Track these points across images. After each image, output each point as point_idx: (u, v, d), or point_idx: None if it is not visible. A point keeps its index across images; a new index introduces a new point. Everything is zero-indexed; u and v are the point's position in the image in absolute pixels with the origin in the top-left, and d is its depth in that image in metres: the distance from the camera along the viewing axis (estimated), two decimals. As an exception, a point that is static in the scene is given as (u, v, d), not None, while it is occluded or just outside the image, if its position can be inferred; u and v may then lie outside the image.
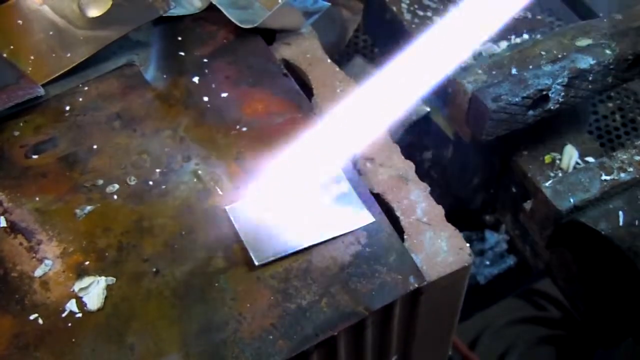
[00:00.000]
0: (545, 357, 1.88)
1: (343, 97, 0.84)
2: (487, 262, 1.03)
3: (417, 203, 0.76)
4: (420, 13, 0.99)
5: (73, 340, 0.66)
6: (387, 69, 0.84)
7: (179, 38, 0.89)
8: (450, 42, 0.87)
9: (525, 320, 1.92)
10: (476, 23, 0.89)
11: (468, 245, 0.73)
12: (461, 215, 0.96)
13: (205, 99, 0.83)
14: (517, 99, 0.83)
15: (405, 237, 0.73)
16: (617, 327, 0.89)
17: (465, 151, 0.96)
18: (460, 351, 1.61)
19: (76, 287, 0.69)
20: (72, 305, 0.68)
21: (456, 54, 0.86)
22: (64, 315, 0.68)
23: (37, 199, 0.75)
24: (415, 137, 1.02)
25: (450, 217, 0.75)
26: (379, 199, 0.76)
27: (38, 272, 0.70)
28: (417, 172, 0.78)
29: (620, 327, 0.88)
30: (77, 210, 0.74)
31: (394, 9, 0.99)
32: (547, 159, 0.92)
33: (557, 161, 0.91)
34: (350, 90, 0.85)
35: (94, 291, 0.69)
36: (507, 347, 1.87)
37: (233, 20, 0.88)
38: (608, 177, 0.84)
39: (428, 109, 1.00)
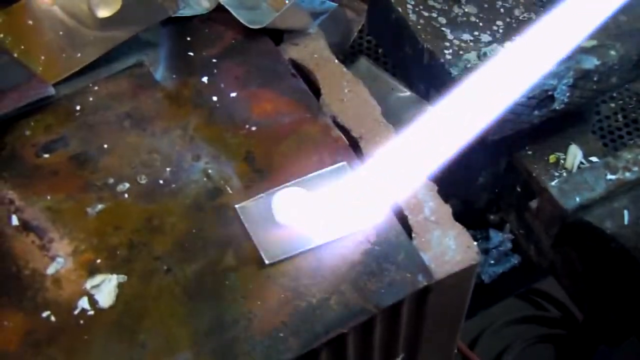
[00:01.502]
0: (544, 357, 1.89)
1: (351, 98, 0.84)
2: (492, 261, 1.04)
3: (425, 202, 0.77)
4: (426, 14, 0.99)
5: (85, 337, 0.67)
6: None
7: (188, 38, 0.89)
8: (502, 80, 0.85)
9: (525, 320, 1.93)
10: (526, 59, 0.87)
11: (475, 243, 0.74)
12: (466, 214, 0.97)
13: (215, 98, 0.84)
14: (522, 99, 0.84)
15: (413, 235, 0.74)
16: (620, 326, 0.90)
17: (470, 150, 0.96)
18: (460, 350, 1.62)
19: (88, 284, 0.70)
20: (84, 303, 0.69)
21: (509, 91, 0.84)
22: (76, 312, 0.68)
23: (49, 197, 0.76)
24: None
25: (455, 216, 0.76)
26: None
27: (50, 270, 0.71)
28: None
29: (624, 325, 0.89)
30: (88, 209, 0.75)
31: (399, 9, 1.00)
32: (552, 158, 0.92)
33: (562, 161, 0.92)
34: (358, 91, 0.85)
35: (105, 289, 0.70)
36: (506, 346, 1.88)
37: (241, 20, 0.88)
38: (613, 177, 0.85)
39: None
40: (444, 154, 0.78)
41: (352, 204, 0.74)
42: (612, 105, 1.20)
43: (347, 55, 1.24)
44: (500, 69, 0.85)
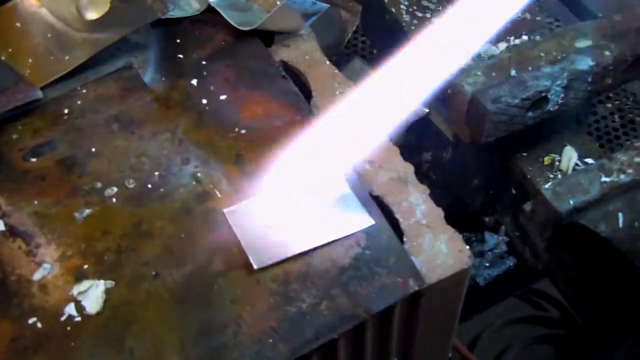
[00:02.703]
0: (544, 357, 1.88)
1: (342, 99, 0.84)
2: (487, 264, 1.03)
3: (417, 205, 0.76)
4: (419, 14, 0.99)
5: (72, 344, 0.66)
6: (386, 71, 0.84)
7: (178, 40, 0.89)
8: (449, 44, 0.87)
9: (524, 320, 1.92)
10: (476, 24, 0.89)
11: (468, 247, 0.73)
12: (461, 216, 0.96)
13: (204, 101, 0.83)
14: (516, 101, 0.83)
15: (404, 239, 0.73)
16: (617, 329, 0.89)
17: (464, 153, 0.96)
18: (459, 351, 1.61)
19: (75, 290, 0.69)
20: (70, 309, 0.68)
21: (456, 56, 0.86)
22: (62, 319, 0.67)
23: (36, 202, 0.75)
24: (414, 139, 1.02)
25: (450, 219, 0.75)
26: (378, 201, 0.76)
27: (37, 276, 0.70)
28: (416, 173, 0.78)
29: (620, 328, 0.88)
30: (76, 214, 0.74)
31: (393, 10, 0.99)
32: (547, 160, 0.92)
33: (557, 162, 0.91)
34: (350, 92, 0.84)
35: (92, 295, 0.69)
36: (505, 347, 1.87)
37: (231, 22, 0.87)
38: (607, 179, 0.84)
39: (427, 111, 0.99)
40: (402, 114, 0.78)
41: (342, 206, 0.73)
42: (609, 105, 1.19)
43: (342, 55, 1.23)
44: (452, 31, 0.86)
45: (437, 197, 0.78)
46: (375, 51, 1.25)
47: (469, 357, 1.65)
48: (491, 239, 1.03)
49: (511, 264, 1.03)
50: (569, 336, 1.86)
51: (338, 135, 0.79)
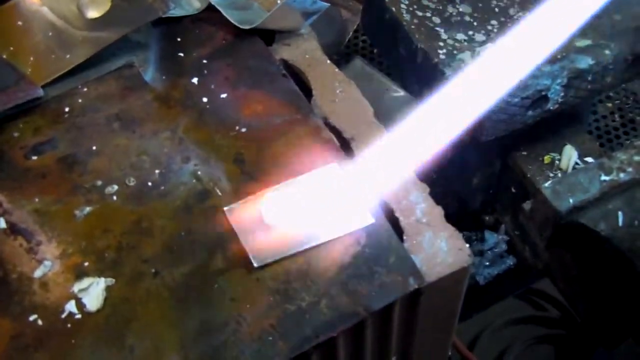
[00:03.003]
0: (544, 357, 1.88)
1: (344, 98, 0.84)
2: (487, 263, 1.03)
3: (417, 204, 0.76)
4: (420, 14, 0.99)
5: (72, 341, 0.66)
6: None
7: (178, 39, 0.89)
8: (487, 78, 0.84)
9: (524, 320, 1.93)
10: (515, 56, 0.86)
11: (468, 245, 0.73)
12: (460, 215, 0.96)
13: (205, 100, 0.83)
14: (516, 100, 0.83)
15: (404, 238, 0.73)
16: (617, 328, 0.89)
17: (464, 151, 0.96)
18: (459, 351, 1.61)
19: (75, 288, 0.69)
20: (71, 307, 0.68)
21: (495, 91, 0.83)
22: (63, 316, 0.68)
23: (37, 200, 0.75)
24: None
25: (450, 218, 0.75)
26: (378, 199, 0.76)
27: (37, 273, 0.70)
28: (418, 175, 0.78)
29: (620, 327, 0.88)
30: (77, 212, 0.74)
31: (393, 9, 0.99)
32: (547, 159, 0.92)
33: (557, 161, 0.91)
34: (350, 91, 0.84)
35: (93, 292, 0.69)
36: (505, 347, 1.87)
37: (232, 21, 0.87)
38: (607, 178, 0.85)
39: (427, 110, 0.99)
40: (432, 150, 0.77)
41: (342, 205, 0.74)
42: (609, 105, 1.19)
43: (342, 55, 1.23)
44: (490, 66, 0.84)
45: (437, 196, 0.78)
46: (375, 50, 1.25)
47: (469, 357, 1.65)
48: (491, 238, 1.03)
49: (511, 263, 1.04)
50: (569, 336, 1.86)
51: (337, 131, 0.79)
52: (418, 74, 0.96)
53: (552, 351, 1.89)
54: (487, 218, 1.03)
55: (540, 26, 0.85)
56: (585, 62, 0.86)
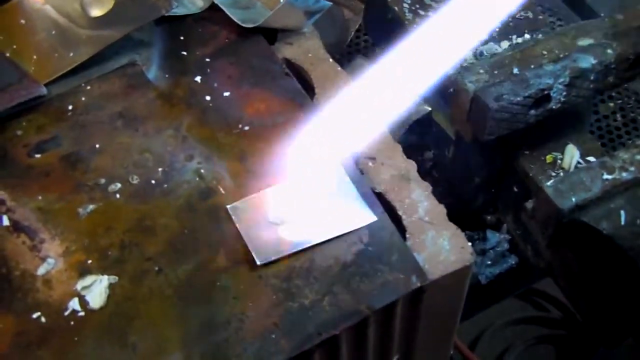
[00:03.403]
0: (545, 357, 1.88)
1: (341, 93, 0.84)
2: (489, 262, 1.03)
3: (419, 202, 0.76)
4: (422, 12, 0.99)
5: (75, 339, 0.66)
6: (385, 64, 0.84)
7: (181, 38, 0.89)
8: (449, 39, 0.87)
9: (525, 320, 1.92)
10: (477, 17, 0.88)
11: (470, 244, 0.73)
12: (462, 214, 0.96)
13: (208, 98, 0.83)
14: (518, 99, 0.83)
15: (407, 236, 0.73)
16: (618, 327, 0.89)
17: (466, 151, 0.96)
18: (460, 351, 1.61)
19: (79, 285, 0.69)
20: (74, 304, 0.68)
21: (456, 51, 0.86)
22: (66, 313, 0.68)
23: (40, 198, 0.75)
24: (416, 137, 1.02)
25: (452, 217, 0.75)
26: (381, 198, 0.76)
27: (41, 271, 0.70)
28: (418, 171, 0.78)
29: (622, 327, 0.88)
30: (80, 209, 0.74)
31: (396, 8, 0.99)
32: (549, 158, 0.91)
33: (559, 161, 0.91)
34: (349, 86, 0.85)
35: (96, 290, 0.69)
36: (507, 347, 1.87)
37: (235, 19, 0.88)
38: (610, 176, 0.84)
39: (429, 109, 0.99)
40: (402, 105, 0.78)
41: (345, 203, 0.74)
42: (611, 104, 1.19)
43: (344, 54, 1.23)
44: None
45: (439, 195, 0.78)
46: (378, 50, 1.25)
47: (470, 357, 1.65)
48: (493, 237, 1.02)
49: (513, 262, 1.03)
50: (570, 336, 1.86)
51: (340, 130, 0.79)
52: (420, 73, 0.96)
53: (553, 351, 1.89)
54: (489, 217, 1.03)
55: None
56: (587, 61, 0.86)
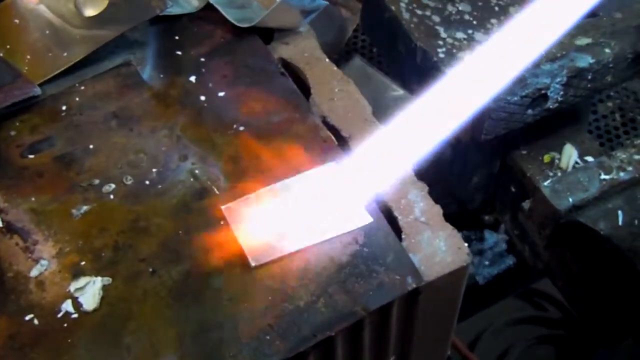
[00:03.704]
0: (545, 357, 1.88)
1: (342, 97, 0.83)
2: (486, 262, 1.03)
3: (415, 203, 0.76)
4: (419, 12, 0.98)
5: (69, 340, 0.66)
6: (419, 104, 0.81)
7: (176, 37, 0.89)
8: (485, 74, 0.83)
9: (525, 320, 1.92)
10: (508, 54, 0.85)
11: (466, 244, 0.73)
12: (460, 214, 0.96)
13: (202, 98, 0.83)
14: (515, 98, 0.83)
15: (403, 236, 0.73)
16: (617, 328, 0.88)
17: (464, 150, 0.96)
18: (459, 351, 1.61)
19: (72, 287, 0.69)
20: (68, 306, 0.68)
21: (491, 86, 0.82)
22: (59, 315, 0.67)
23: (33, 199, 0.75)
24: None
25: (449, 217, 0.75)
26: (376, 198, 0.75)
27: (34, 272, 0.70)
28: (415, 171, 0.78)
29: (620, 327, 0.88)
30: (74, 210, 0.74)
31: (393, 8, 0.99)
32: (547, 158, 0.91)
33: (557, 160, 0.91)
34: (349, 90, 0.84)
35: (90, 291, 0.69)
36: (507, 347, 1.87)
37: (230, 19, 0.87)
38: (607, 177, 0.84)
39: (427, 109, 0.99)
40: (429, 147, 0.77)
41: (340, 204, 0.73)
42: (609, 104, 1.19)
43: (342, 53, 1.23)
44: (487, 62, 0.83)
45: (436, 195, 0.77)
46: (375, 49, 1.24)
47: (469, 357, 1.65)
48: (491, 237, 1.02)
49: (511, 263, 1.03)
50: (569, 336, 1.85)
51: (335, 131, 0.79)
52: (418, 73, 0.95)
53: (553, 351, 1.89)
54: (486, 217, 1.03)
55: (537, 22, 0.85)
56: (585, 60, 0.85)
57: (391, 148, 0.77)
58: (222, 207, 0.73)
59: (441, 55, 0.92)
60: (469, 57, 0.89)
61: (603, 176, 0.84)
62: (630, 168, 0.84)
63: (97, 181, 0.76)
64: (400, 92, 1.06)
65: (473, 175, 0.97)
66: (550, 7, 0.84)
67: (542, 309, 1.94)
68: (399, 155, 0.76)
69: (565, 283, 0.90)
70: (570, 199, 0.83)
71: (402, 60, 0.99)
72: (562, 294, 0.93)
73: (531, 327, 1.92)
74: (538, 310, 1.95)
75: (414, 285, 0.69)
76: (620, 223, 0.81)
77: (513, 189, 0.94)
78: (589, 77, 0.86)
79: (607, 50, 0.86)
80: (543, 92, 0.84)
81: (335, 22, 1.20)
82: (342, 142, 0.80)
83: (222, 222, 0.73)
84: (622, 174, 0.84)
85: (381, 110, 0.86)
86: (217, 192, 0.75)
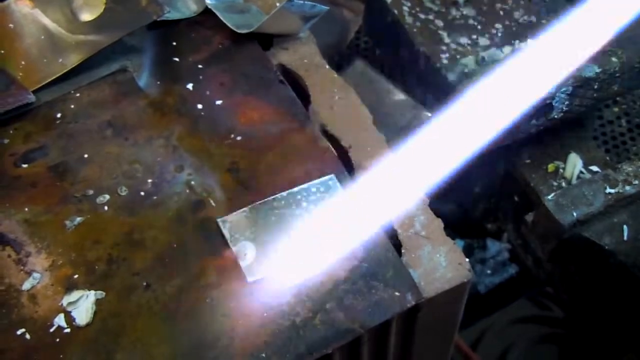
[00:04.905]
0: (548, 356, 1.87)
1: (342, 105, 0.82)
2: (489, 271, 1.01)
3: (416, 216, 0.74)
4: (422, 16, 0.97)
5: (60, 356, 0.65)
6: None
7: (174, 43, 0.87)
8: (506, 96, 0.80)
9: (528, 319, 1.91)
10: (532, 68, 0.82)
11: (467, 260, 0.71)
12: (462, 223, 0.94)
13: (199, 106, 0.81)
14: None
15: (402, 251, 0.71)
16: (619, 341, 0.87)
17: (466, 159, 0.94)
18: (462, 350, 1.60)
19: (65, 301, 0.68)
20: (60, 320, 0.67)
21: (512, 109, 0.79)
22: (51, 330, 0.66)
23: (27, 209, 0.73)
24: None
25: (452, 225, 0.73)
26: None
27: (26, 286, 0.69)
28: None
29: (623, 341, 0.87)
30: (67, 222, 0.73)
31: (396, 11, 0.97)
32: (551, 167, 0.90)
33: (561, 170, 0.89)
34: (349, 98, 0.82)
35: (82, 306, 0.67)
36: (509, 346, 1.85)
37: (229, 24, 0.85)
38: (612, 190, 0.82)
39: (430, 114, 0.97)
40: (442, 170, 0.75)
41: (340, 220, 0.72)
42: (615, 109, 1.17)
43: (344, 55, 1.21)
44: (504, 79, 0.81)
45: (439, 203, 0.76)
46: (377, 52, 1.22)
47: (471, 357, 1.63)
48: (493, 246, 1.01)
49: (513, 272, 1.02)
50: (572, 335, 1.84)
51: (335, 141, 0.77)
52: (420, 77, 0.94)
53: (556, 351, 1.88)
54: (489, 226, 1.01)
55: (563, 39, 0.82)
56: (591, 70, 0.84)
57: (401, 172, 0.75)
58: (218, 220, 0.72)
59: (444, 61, 0.90)
60: (474, 66, 0.87)
61: (608, 190, 0.83)
62: (636, 182, 0.83)
63: (91, 192, 0.75)
64: (402, 96, 1.04)
65: (476, 184, 0.96)
66: (581, 21, 0.81)
67: (546, 308, 1.93)
68: (409, 180, 0.74)
69: (568, 296, 0.89)
70: (575, 213, 0.81)
71: (404, 65, 0.97)
72: (565, 307, 0.92)
73: (534, 326, 1.91)
74: (541, 309, 1.94)
75: (413, 302, 0.68)
76: (625, 238, 0.79)
77: (516, 199, 0.93)
78: (595, 86, 0.84)
79: (614, 59, 0.85)
80: (548, 102, 0.82)
81: (338, 23, 1.19)
82: (341, 152, 0.78)
83: (218, 235, 0.71)
84: (627, 187, 0.83)
85: (383, 115, 0.84)
86: (213, 204, 0.74)
